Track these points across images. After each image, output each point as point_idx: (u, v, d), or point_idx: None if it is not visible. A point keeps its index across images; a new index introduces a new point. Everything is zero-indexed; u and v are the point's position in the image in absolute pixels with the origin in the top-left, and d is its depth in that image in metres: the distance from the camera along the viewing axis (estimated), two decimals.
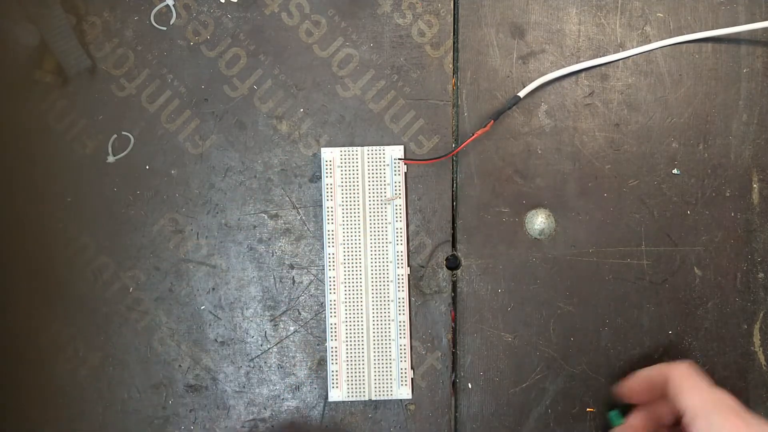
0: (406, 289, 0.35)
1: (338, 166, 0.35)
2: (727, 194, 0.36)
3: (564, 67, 0.36)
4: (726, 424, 0.28)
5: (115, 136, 0.37)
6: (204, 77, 0.37)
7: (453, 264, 0.36)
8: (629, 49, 0.36)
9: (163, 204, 0.36)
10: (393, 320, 0.35)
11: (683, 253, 0.36)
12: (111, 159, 0.37)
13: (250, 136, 0.37)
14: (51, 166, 0.36)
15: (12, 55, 0.36)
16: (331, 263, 0.35)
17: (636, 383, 0.33)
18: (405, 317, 0.35)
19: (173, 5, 0.37)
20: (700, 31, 0.36)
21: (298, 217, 0.36)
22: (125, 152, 0.37)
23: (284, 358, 0.36)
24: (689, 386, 0.30)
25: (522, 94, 0.35)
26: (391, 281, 0.35)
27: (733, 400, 0.29)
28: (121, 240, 0.36)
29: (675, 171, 0.36)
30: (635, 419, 0.33)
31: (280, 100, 0.37)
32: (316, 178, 0.36)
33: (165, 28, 0.37)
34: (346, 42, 0.37)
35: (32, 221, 0.36)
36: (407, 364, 0.35)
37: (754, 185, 0.36)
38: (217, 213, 0.36)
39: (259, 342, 0.36)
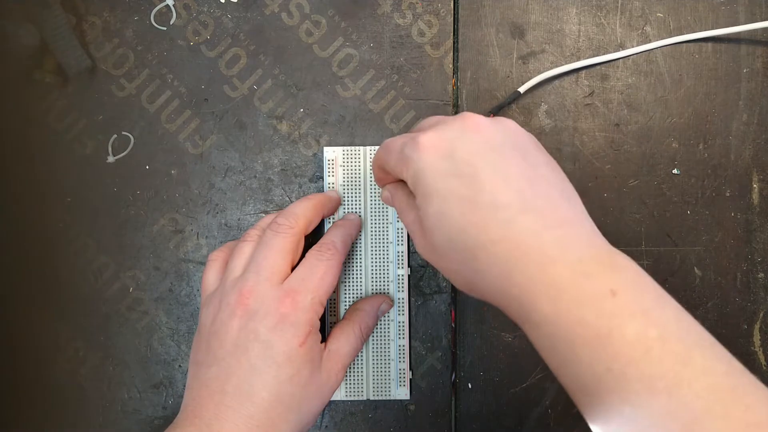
0: (406, 289, 0.35)
1: (340, 166, 0.35)
2: (727, 194, 0.36)
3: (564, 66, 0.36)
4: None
5: (115, 136, 0.37)
6: (204, 77, 0.37)
7: None
8: (629, 48, 0.36)
9: (163, 204, 0.36)
10: (392, 320, 0.35)
11: (683, 253, 0.36)
12: (111, 159, 0.37)
13: (250, 136, 0.37)
14: (51, 166, 0.36)
15: (12, 55, 0.36)
16: None
17: (376, 172, 0.31)
18: (405, 317, 0.35)
19: (173, 5, 0.37)
20: (700, 31, 0.36)
21: None
22: (125, 152, 0.37)
23: None
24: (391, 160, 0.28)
25: (522, 89, 0.35)
26: (392, 281, 0.35)
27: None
28: (121, 240, 0.36)
29: (675, 171, 0.36)
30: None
31: (280, 100, 0.37)
32: (317, 178, 0.36)
33: (165, 28, 0.37)
34: (346, 42, 0.37)
35: (32, 221, 0.36)
36: (406, 365, 0.35)
37: (754, 185, 0.36)
38: (217, 213, 0.36)
39: None
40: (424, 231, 0.26)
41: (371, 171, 0.35)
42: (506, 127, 0.26)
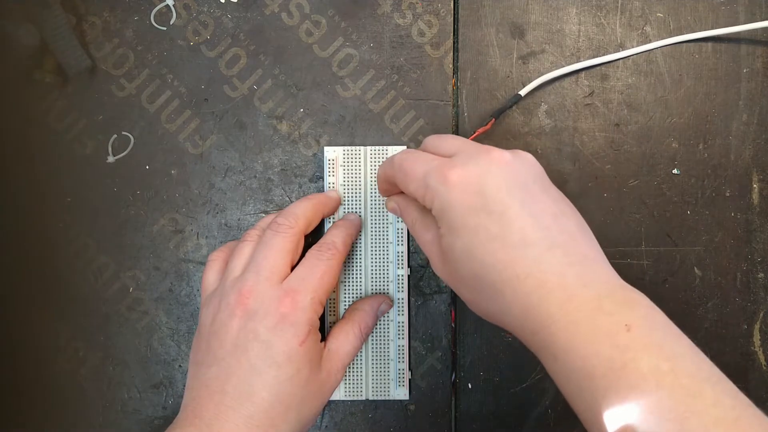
0: (405, 289, 0.35)
1: (341, 166, 0.35)
2: (727, 194, 0.36)
3: (564, 66, 0.36)
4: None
5: (115, 136, 0.37)
6: (204, 77, 0.37)
7: None
8: (629, 49, 0.36)
9: (163, 204, 0.36)
10: (392, 320, 0.35)
11: (683, 253, 0.36)
12: (111, 159, 0.37)
13: (250, 136, 0.37)
14: (51, 166, 0.36)
15: (12, 55, 0.36)
16: None
17: (381, 184, 0.32)
18: (404, 317, 0.35)
19: (173, 5, 0.37)
20: (700, 31, 0.36)
21: None
22: (125, 152, 0.37)
23: None
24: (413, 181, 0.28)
25: (523, 92, 0.35)
26: (391, 281, 0.35)
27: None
28: (121, 240, 0.36)
29: (675, 171, 0.36)
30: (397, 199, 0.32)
31: (280, 100, 0.37)
32: (317, 178, 0.36)
33: (165, 28, 0.37)
34: (346, 42, 0.37)
35: (32, 221, 0.36)
36: (405, 365, 0.35)
37: (754, 185, 0.36)
38: (217, 213, 0.36)
39: None
40: (445, 258, 0.27)
41: (372, 171, 0.35)
42: (527, 161, 0.27)
